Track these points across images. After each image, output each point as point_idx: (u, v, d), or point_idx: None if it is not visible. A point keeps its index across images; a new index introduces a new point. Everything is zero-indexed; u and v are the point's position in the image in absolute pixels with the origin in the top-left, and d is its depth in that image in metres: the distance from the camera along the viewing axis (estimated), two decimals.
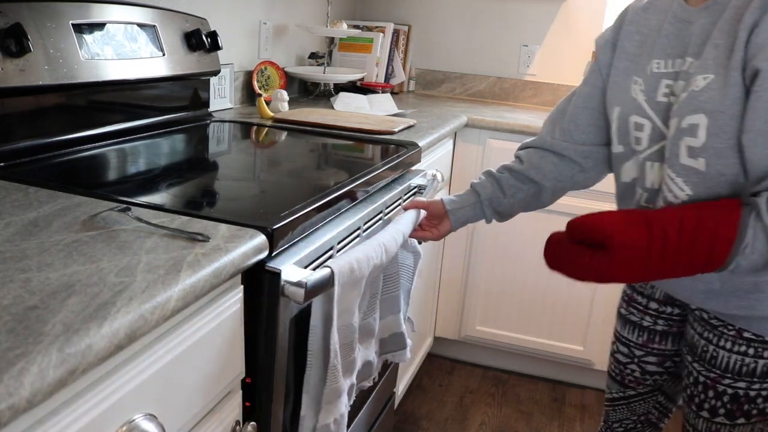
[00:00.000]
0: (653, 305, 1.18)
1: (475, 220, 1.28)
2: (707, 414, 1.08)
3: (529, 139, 1.28)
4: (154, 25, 1.50)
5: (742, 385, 1.03)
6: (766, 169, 0.87)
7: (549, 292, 2.28)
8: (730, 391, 1.04)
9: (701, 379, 1.08)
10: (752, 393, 1.03)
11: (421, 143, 1.68)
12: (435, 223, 1.30)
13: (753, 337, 1.01)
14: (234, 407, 0.92)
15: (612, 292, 2.21)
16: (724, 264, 0.88)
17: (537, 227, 2.23)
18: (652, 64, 1.02)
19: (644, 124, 1.02)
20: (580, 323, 2.28)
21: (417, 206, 1.29)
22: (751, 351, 1.01)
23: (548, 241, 1.00)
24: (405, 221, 1.23)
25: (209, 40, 1.67)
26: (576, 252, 0.93)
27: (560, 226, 2.20)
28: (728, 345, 1.03)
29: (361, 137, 1.71)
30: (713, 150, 0.90)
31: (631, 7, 1.12)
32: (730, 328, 1.03)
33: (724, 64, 0.89)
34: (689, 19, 0.97)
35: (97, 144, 1.34)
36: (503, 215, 1.28)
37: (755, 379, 1.02)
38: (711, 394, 1.07)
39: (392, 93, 2.67)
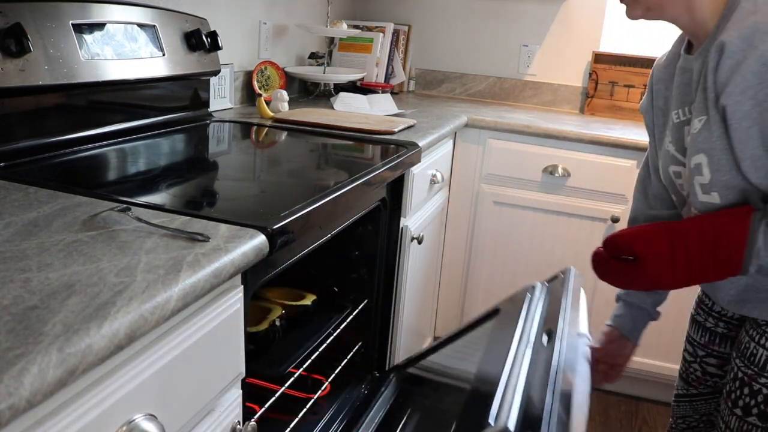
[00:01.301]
0: (717, 308, 1.22)
1: (644, 321, 1.32)
2: (740, 412, 1.09)
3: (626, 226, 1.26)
4: (154, 25, 1.50)
5: None
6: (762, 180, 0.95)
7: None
8: (765, 390, 1.05)
9: (740, 375, 1.09)
10: None
11: (421, 143, 1.68)
12: (613, 360, 1.31)
13: None
14: (234, 407, 0.92)
15: (611, 294, 2.21)
16: (742, 268, 0.95)
17: (536, 227, 2.23)
18: (673, 115, 1.10)
19: (680, 171, 1.09)
20: None
21: (598, 360, 1.29)
22: None
23: (593, 260, 1.09)
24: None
25: (209, 40, 1.67)
26: (616, 267, 1.05)
27: (558, 225, 2.20)
28: (766, 342, 1.05)
29: (361, 137, 1.71)
30: (720, 183, 0.98)
31: (656, 65, 1.19)
32: None
33: (709, 105, 0.97)
34: (689, 68, 1.05)
35: (97, 144, 1.34)
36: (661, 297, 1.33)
37: None
38: (746, 391, 1.08)
39: (392, 93, 2.67)
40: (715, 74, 0.94)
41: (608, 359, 1.33)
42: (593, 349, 1.26)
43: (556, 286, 1.29)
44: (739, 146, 0.94)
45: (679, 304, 2.10)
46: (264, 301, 1.40)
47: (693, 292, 1.27)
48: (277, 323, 1.30)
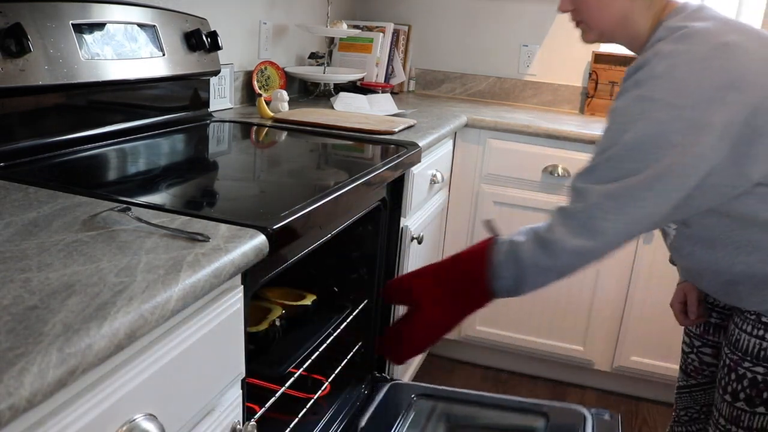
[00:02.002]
0: (710, 299, 1.26)
1: None
2: (729, 398, 1.12)
3: None
4: (154, 25, 1.50)
5: (760, 370, 1.06)
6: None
7: (549, 292, 2.27)
8: (749, 375, 1.08)
9: (727, 361, 1.12)
10: None
11: (421, 143, 1.68)
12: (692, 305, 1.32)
13: None
14: (234, 407, 0.92)
15: (611, 294, 2.21)
16: (488, 291, 1.11)
17: None
18: None
19: None
20: (580, 323, 2.28)
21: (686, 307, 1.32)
22: None
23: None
24: None
25: (209, 40, 1.67)
26: (400, 327, 1.18)
27: None
28: (749, 328, 1.07)
29: (361, 137, 1.71)
30: None
31: None
32: (753, 312, 1.08)
33: None
34: None
35: (97, 144, 1.34)
36: None
37: None
38: (733, 376, 1.11)
39: (392, 93, 2.67)
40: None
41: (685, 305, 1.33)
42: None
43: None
44: None
45: None
46: (264, 301, 1.40)
47: None
48: (277, 323, 1.30)
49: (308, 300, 1.46)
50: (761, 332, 1.06)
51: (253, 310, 1.34)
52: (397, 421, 1.48)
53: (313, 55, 2.50)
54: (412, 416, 1.52)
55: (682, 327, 1.35)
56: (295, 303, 1.42)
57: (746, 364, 1.08)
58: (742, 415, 1.10)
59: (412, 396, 1.57)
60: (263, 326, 1.28)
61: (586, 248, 1.01)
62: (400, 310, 1.80)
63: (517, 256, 1.05)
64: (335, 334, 1.50)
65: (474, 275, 1.09)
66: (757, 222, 0.99)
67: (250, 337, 1.13)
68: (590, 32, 1.16)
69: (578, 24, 1.18)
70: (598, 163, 1.01)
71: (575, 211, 1.02)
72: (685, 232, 1.10)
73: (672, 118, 0.93)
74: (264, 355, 1.29)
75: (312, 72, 2.38)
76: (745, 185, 0.97)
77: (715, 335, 1.26)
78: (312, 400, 1.44)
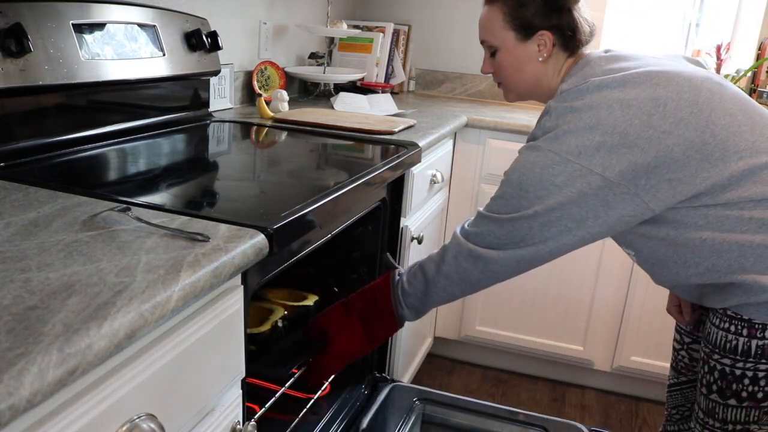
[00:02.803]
0: None
1: None
2: (705, 390, 1.14)
3: None
4: (154, 25, 1.50)
5: (727, 362, 1.09)
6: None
7: (549, 292, 2.28)
8: (719, 366, 1.10)
9: (702, 354, 1.15)
10: (737, 372, 1.08)
11: (421, 143, 1.68)
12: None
13: (733, 315, 1.07)
14: (234, 407, 0.92)
15: (611, 294, 2.21)
16: (394, 311, 1.20)
17: None
18: None
19: None
20: (580, 323, 2.28)
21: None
22: (732, 328, 1.07)
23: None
24: None
25: (209, 40, 1.67)
26: (318, 361, 1.28)
27: None
28: (717, 321, 1.10)
29: (361, 137, 1.71)
30: None
31: None
32: (720, 308, 1.11)
33: None
34: None
35: (97, 144, 1.34)
36: None
37: (738, 357, 1.07)
38: (706, 368, 1.13)
39: (392, 93, 2.67)
40: None
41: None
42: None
43: None
44: None
45: None
46: (265, 301, 1.40)
47: None
48: (280, 324, 1.30)
49: (310, 300, 1.46)
50: (726, 325, 1.08)
51: (255, 311, 1.34)
52: (399, 425, 1.49)
53: (313, 55, 2.50)
54: (412, 420, 1.53)
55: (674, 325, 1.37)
56: (297, 304, 1.42)
57: (715, 356, 1.10)
58: (716, 407, 1.12)
59: (414, 399, 1.58)
60: (266, 327, 1.28)
61: (470, 270, 1.13)
62: None
63: (423, 270, 1.17)
64: None
65: (380, 299, 1.21)
66: (683, 243, 1.07)
67: (252, 339, 1.13)
68: (509, 93, 1.29)
69: (499, 85, 1.31)
70: (496, 196, 1.12)
71: (470, 233, 1.13)
72: (637, 256, 1.18)
73: (552, 161, 1.04)
74: (266, 356, 1.29)
75: (312, 72, 2.38)
76: (649, 215, 1.06)
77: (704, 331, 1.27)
78: (312, 400, 1.44)
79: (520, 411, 1.54)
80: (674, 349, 1.36)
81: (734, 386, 1.08)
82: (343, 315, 1.24)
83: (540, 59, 1.20)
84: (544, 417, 1.53)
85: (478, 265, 1.11)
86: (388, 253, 1.32)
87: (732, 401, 1.09)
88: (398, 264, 1.73)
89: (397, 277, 1.22)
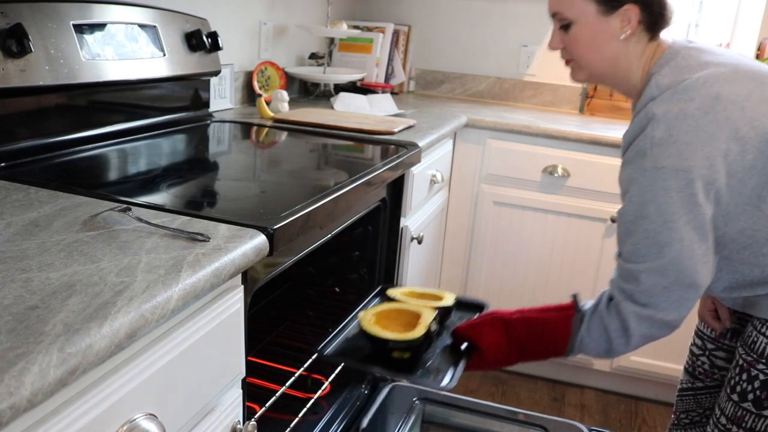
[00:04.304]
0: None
1: None
2: (737, 397, 1.12)
3: None
4: (155, 26, 1.50)
5: None
6: (618, 243, 1.08)
7: (549, 292, 2.28)
8: (762, 377, 1.08)
9: (740, 362, 1.12)
10: None
11: (421, 143, 1.68)
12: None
13: None
14: (234, 407, 0.93)
15: None
16: (566, 353, 1.12)
17: (536, 227, 2.23)
18: None
19: None
20: None
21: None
22: None
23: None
24: None
25: (210, 40, 1.67)
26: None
27: (558, 225, 2.21)
28: (766, 331, 1.08)
29: (361, 137, 1.71)
30: None
31: None
32: None
33: None
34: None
35: (97, 144, 1.34)
36: None
37: None
38: (744, 376, 1.11)
39: (392, 93, 2.67)
40: (622, 146, 1.10)
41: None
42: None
43: None
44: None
45: None
46: (394, 302, 1.27)
47: None
48: (433, 328, 1.16)
49: (449, 300, 1.31)
50: None
51: (395, 314, 1.22)
52: (399, 425, 1.49)
53: (313, 56, 2.50)
54: (412, 420, 1.53)
55: (685, 332, 1.34)
56: (438, 305, 1.25)
57: (761, 366, 1.08)
58: (746, 415, 1.10)
59: (414, 399, 1.58)
60: (420, 333, 1.12)
61: (656, 331, 1.05)
62: None
63: (608, 336, 1.07)
64: None
65: (551, 337, 1.13)
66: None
67: (407, 345, 1.10)
68: (581, 72, 1.17)
69: (568, 62, 1.19)
70: (637, 241, 1.02)
71: (633, 292, 1.03)
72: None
73: (686, 180, 0.96)
74: (418, 363, 1.15)
75: (312, 72, 2.38)
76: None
77: (732, 340, 1.25)
78: (312, 400, 1.44)
79: (520, 411, 1.54)
80: (692, 353, 1.33)
81: None
82: (501, 337, 1.15)
83: (622, 37, 1.08)
84: (544, 417, 1.53)
85: (665, 330, 1.04)
86: (577, 294, 1.20)
87: (767, 412, 1.08)
88: (402, 261, 1.73)
89: (580, 325, 1.11)
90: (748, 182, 0.98)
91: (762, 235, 1.02)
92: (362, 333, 1.14)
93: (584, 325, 1.09)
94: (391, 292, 1.30)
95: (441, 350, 1.19)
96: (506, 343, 1.14)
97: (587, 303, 1.14)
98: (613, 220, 2.12)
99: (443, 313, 1.25)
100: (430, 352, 1.17)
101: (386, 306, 1.23)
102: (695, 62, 1.02)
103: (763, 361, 1.08)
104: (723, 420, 1.14)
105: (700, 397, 1.32)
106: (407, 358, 1.12)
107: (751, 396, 1.09)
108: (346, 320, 1.24)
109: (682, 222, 0.97)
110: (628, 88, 1.13)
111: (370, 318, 1.16)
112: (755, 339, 1.10)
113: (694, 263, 0.99)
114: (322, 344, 1.16)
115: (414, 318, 1.17)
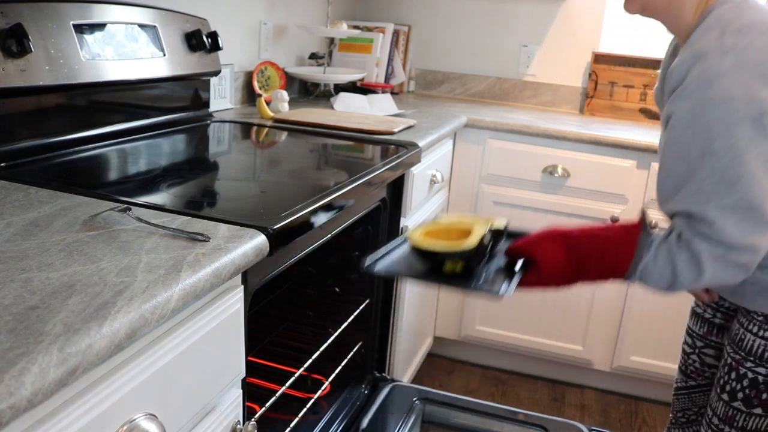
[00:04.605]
0: (715, 298, 1.25)
1: None
2: (727, 397, 1.12)
3: None
4: (155, 26, 1.50)
5: (762, 371, 1.07)
6: (662, 191, 1.02)
7: (549, 292, 2.28)
8: (750, 375, 1.08)
9: (729, 360, 1.12)
10: None
11: (420, 143, 1.68)
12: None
13: None
14: (234, 407, 0.93)
15: (611, 293, 2.21)
16: (625, 276, 1.03)
17: (537, 227, 2.22)
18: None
19: None
20: (579, 323, 2.28)
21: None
22: None
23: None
24: None
25: (209, 40, 1.67)
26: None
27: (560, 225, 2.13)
28: (755, 329, 1.08)
29: (361, 137, 1.71)
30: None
31: (666, 51, 1.21)
32: (760, 313, 1.08)
33: (665, 111, 1.04)
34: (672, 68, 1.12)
35: (97, 144, 1.34)
36: None
37: None
38: (733, 375, 1.11)
39: (392, 93, 2.67)
40: (671, 81, 1.00)
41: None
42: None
43: None
44: (660, 154, 1.03)
45: (679, 306, 2.11)
46: (438, 225, 1.14)
47: None
48: (486, 240, 1.06)
49: (502, 222, 1.18)
50: (766, 333, 1.06)
51: (443, 233, 1.12)
52: (399, 425, 1.49)
53: (313, 56, 2.50)
54: (412, 420, 1.53)
55: (684, 328, 1.35)
56: (492, 227, 1.13)
57: (749, 364, 1.08)
58: (737, 415, 1.10)
59: (414, 399, 1.58)
60: (473, 243, 1.03)
61: (729, 273, 0.98)
62: (403, 309, 1.81)
63: (674, 267, 0.99)
64: (335, 334, 1.50)
65: (613, 256, 1.03)
66: None
67: (461, 255, 1.01)
68: (634, 3, 1.11)
69: None
70: (702, 180, 0.96)
71: (703, 232, 0.97)
72: None
73: (759, 112, 0.91)
74: (472, 275, 1.07)
75: (312, 72, 2.38)
76: None
77: (719, 336, 1.25)
78: (312, 400, 1.44)
79: (520, 411, 1.54)
80: (684, 352, 1.34)
81: (764, 395, 1.07)
82: (560, 251, 1.06)
83: None
84: (544, 417, 1.53)
85: (738, 272, 0.97)
86: (647, 211, 1.11)
87: (758, 410, 1.08)
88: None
89: (647, 247, 1.02)
90: None
91: None
92: (411, 249, 1.06)
93: (651, 250, 1.00)
94: (414, 232, 1.12)
95: (495, 269, 1.10)
96: (565, 258, 1.05)
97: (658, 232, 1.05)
98: (613, 220, 2.12)
99: (495, 234, 1.13)
100: (483, 268, 1.08)
101: (434, 224, 1.13)
102: (757, 5, 0.99)
103: (751, 359, 1.08)
104: (715, 420, 1.14)
105: (694, 395, 1.33)
106: (459, 271, 1.04)
107: (740, 395, 1.10)
108: (391, 243, 1.15)
109: (753, 155, 0.92)
110: (679, 24, 1.07)
111: (419, 233, 1.07)
112: (742, 337, 1.10)
113: (765, 198, 0.93)
114: (368, 262, 1.07)
115: (464, 234, 1.08)
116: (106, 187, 1.10)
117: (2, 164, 1.12)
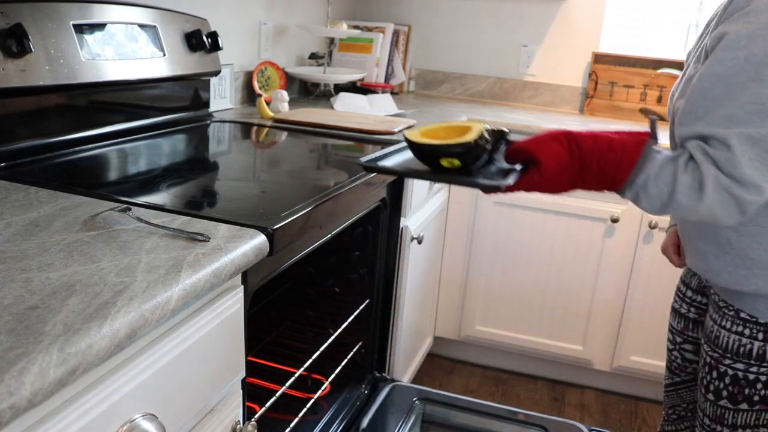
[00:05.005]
0: (689, 293, 1.25)
1: None
2: (712, 396, 1.12)
3: None
4: (155, 26, 1.50)
5: (740, 366, 1.07)
6: (689, 112, 0.97)
7: (549, 292, 2.28)
8: (730, 372, 1.08)
9: (708, 359, 1.12)
10: (751, 376, 1.06)
11: None
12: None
13: (748, 317, 1.05)
14: (234, 407, 0.93)
15: (611, 294, 2.21)
16: (623, 185, 0.97)
17: (536, 227, 2.23)
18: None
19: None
20: (579, 323, 2.28)
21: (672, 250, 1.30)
22: (746, 332, 1.05)
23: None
24: None
25: (209, 40, 1.67)
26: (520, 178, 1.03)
27: (559, 225, 2.21)
28: (728, 324, 1.08)
29: (361, 137, 1.71)
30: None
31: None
32: (731, 308, 1.08)
33: (706, 39, 1.01)
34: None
35: (97, 144, 1.34)
36: None
37: (752, 362, 1.05)
38: (715, 374, 1.11)
39: (392, 93, 2.67)
40: (734, 4, 0.95)
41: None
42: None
43: None
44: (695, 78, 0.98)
45: None
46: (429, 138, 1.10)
47: None
48: (487, 137, 1.03)
49: (502, 127, 1.15)
50: (740, 328, 1.06)
51: (441, 133, 1.09)
52: (399, 425, 1.49)
53: (313, 56, 2.50)
54: (412, 420, 1.53)
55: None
56: (494, 128, 1.10)
57: (727, 361, 1.08)
58: (726, 413, 1.10)
59: (414, 399, 1.58)
60: (471, 137, 1.00)
61: (725, 210, 0.94)
62: (403, 309, 1.81)
63: (676, 184, 0.95)
64: (335, 334, 1.50)
65: (615, 160, 0.98)
66: None
67: (450, 148, 0.97)
68: None
69: None
70: (740, 105, 0.91)
71: (718, 158, 0.92)
72: None
73: None
74: (472, 171, 1.04)
75: (312, 72, 2.38)
76: None
77: (695, 331, 1.26)
78: (312, 400, 1.44)
79: (520, 411, 1.54)
80: (668, 349, 1.35)
81: (747, 391, 1.07)
82: (564, 149, 1.01)
83: None
84: (544, 417, 1.53)
85: (734, 211, 0.94)
86: (656, 119, 1.04)
87: (743, 405, 1.08)
88: (402, 261, 1.73)
89: (652, 156, 0.98)
90: None
91: None
92: (409, 146, 1.03)
93: (656, 166, 0.96)
94: (412, 132, 1.10)
95: (495, 167, 1.07)
96: (568, 155, 1.00)
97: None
98: (613, 220, 2.12)
99: (496, 136, 1.10)
100: (482, 169, 1.05)
101: (433, 126, 1.10)
102: None
103: (728, 356, 1.08)
104: (707, 421, 1.14)
105: (681, 391, 1.34)
106: (457, 166, 1.01)
107: (725, 393, 1.10)
108: (389, 147, 1.14)
109: None
110: None
111: (416, 133, 1.05)
112: (717, 334, 1.10)
113: None
114: (365, 160, 1.04)
115: (463, 132, 1.05)
116: (106, 187, 1.10)
117: (2, 164, 1.12)
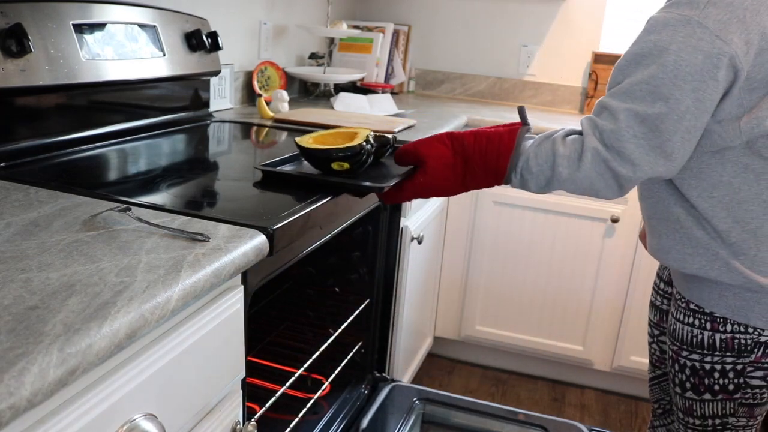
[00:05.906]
0: (662, 285, 1.27)
1: None
2: (679, 389, 1.14)
3: None
4: (155, 26, 1.50)
5: (696, 357, 1.09)
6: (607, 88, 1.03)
7: (549, 292, 2.28)
8: (689, 363, 1.10)
9: (670, 352, 1.14)
10: (707, 366, 1.08)
11: None
12: None
13: (696, 308, 1.07)
14: (234, 407, 0.93)
15: (611, 294, 2.21)
16: (506, 172, 1.04)
17: (536, 227, 2.23)
18: None
19: None
20: (579, 323, 2.28)
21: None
22: (696, 322, 1.08)
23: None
24: None
25: (209, 40, 1.67)
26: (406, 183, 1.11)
27: (559, 225, 2.21)
28: (681, 316, 1.10)
29: None
30: None
31: None
32: (683, 300, 1.10)
33: None
34: None
35: (97, 144, 1.34)
36: None
37: (705, 351, 1.07)
38: (677, 367, 1.13)
39: (392, 93, 2.67)
40: None
41: None
42: None
43: None
44: None
45: None
46: (316, 142, 1.23)
47: None
48: (370, 141, 1.13)
49: (389, 134, 1.27)
50: (691, 319, 1.08)
51: (329, 138, 1.21)
52: (399, 425, 1.49)
53: (313, 56, 2.50)
54: (412, 420, 1.53)
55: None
56: (383, 132, 1.23)
57: (684, 353, 1.10)
58: (693, 404, 1.12)
59: (414, 399, 1.58)
60: (357, 141, 1.12)
61: (602, 182, 1.00)
62: (403, 309, 1.81)
63: (555, 159, 1.02)
64: (335, 334, 1.50)
65: (495, 151, 1.05)
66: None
67: (340, 152, 1.09)
68: None
69: None
70: (637, 81, 0.96)
71: (604, 130, 0.98)
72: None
73: (720, 51, 0.91)
74: (358, 174, 1.16)
75: (312, 72, 2.38)
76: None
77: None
78: (312, 400, 1.44)
79: (520, 411, 1.54)
80: (648, 342, 1.36)
81: (706, 381, 1.09)
82: (447, 148, 1.07)
83: None
84: (544, 417, 1.53)
85: (609, 188, 1.00)
86: (525, 107, 1.15)
87: (707, 395, 1.10)
88: (402, 261, 1.73)
89: (526, 141, 1.07)
90: (754, 94, 0.94)
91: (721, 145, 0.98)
92: (301, 152, 1.16)
93: (534, 146, 1.04)
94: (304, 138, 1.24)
95: (383, 168, 1.20)
96: (451, 153, 1.07)
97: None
98: (613, 220, 2.12)
99: (383, 142, 1.22)
100: (371, 171, 1.18)
101: (322, 132, 1.23)
102: None
103: (685, 347, 1.09)
104: (680, 414, 1.16)
105: (663, 384, 1.35)
106: (347, 168, 1.13)
107: (688, 385, 1.11)
108: (287, 154, 1.28)
109: (690, 86, 0.92)
110: None
111: (307, 139, 1.18)
112: (674, 327, 1.11)
113: (675, 130, 0.94)
114: (264, 166, 1.20)
115: (350, 138, 1.18)
116: (106, 187, 1.10)
117: (2, 164, 1.12)
